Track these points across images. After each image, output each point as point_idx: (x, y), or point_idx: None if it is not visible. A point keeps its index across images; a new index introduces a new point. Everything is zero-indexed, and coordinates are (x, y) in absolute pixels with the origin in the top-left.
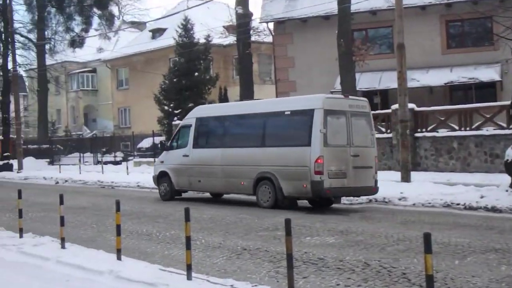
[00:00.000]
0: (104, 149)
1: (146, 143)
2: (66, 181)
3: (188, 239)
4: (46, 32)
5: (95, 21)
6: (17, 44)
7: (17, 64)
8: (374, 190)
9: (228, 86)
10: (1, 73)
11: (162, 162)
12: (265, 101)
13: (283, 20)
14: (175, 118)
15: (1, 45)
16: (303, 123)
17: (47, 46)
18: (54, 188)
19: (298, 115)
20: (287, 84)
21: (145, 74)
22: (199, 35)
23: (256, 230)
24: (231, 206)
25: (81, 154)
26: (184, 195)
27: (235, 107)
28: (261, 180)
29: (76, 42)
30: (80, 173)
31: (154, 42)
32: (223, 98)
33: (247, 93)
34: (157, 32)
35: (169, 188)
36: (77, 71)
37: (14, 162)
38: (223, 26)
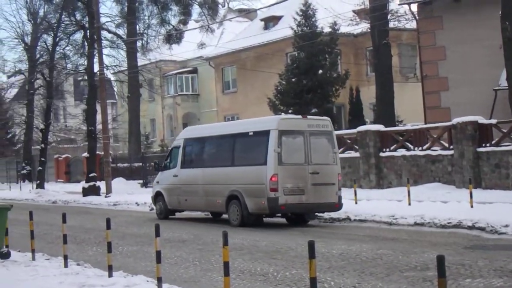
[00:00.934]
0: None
1: None
2: None
3: (313, 280)
4: (137, 26)
5: (195, 10)
6: (104, 42)
7: (104, 65)
8: (337, 206)
9: (360, 85)
10: (86, 77)
11: (157, 182)
12: (235, 123)
13: (429, 0)
14: None
15: (86, 43)
16: (261, 143)
17: (138, 43)
18: (148, 216)
19: (258, 136)
20: (437, 82)
21: (257, 73)
22: (323, 23)
23: (400, 270)
24: (365, 240)
25: None
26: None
27: (214, 128)
28: (232, 198)
29: (173, 37)
30: None
31: (267, 33)
32: (355, 101)
33: (384, 94)
34: (270, 21)
35: (163, 208)
36: (175, 72)
37: (102, 184)
38: (353, 11)
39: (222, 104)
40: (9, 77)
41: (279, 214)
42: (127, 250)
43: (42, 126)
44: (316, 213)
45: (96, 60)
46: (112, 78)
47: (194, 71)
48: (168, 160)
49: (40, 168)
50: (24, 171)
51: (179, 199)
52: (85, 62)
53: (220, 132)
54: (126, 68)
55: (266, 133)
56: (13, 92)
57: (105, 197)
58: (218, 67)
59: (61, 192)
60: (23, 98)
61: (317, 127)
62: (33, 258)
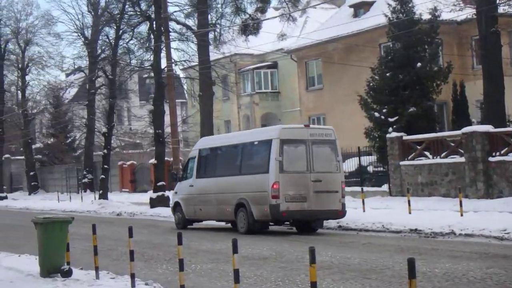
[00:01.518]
0: None
1: (349, 164)
2: None
3: None
4: (209, 16)
5: None
6: (172, 35)
7: (173, 61)
8: (340, 213)
9: (465, 80)
10: (152, 74)
11: (176, 192)
12: (244, 132)
13: None
14: (390, 129)
15: (152, 36)
16: (264, 152)
17: (210, 35)
18: (225, 230)
19: (262, 145)
20: None
21: (345, 67)
22: (422, 9)
23: None
24: (472, 257)
25: None
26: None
27: (225, 138)
28: (239, 206)
29: (250, 28)
30: None
31: (357, 21)
32: (459, 98)
33: (493, 90)
34: (361, 8)
35: (181, 218)
36: (252, 67)
37: (171, 194)
38: None
39: (306, 103)
40: (68, 75)
41: (287, 222)
42: (200, 268)
43: (104, 130)
44: (323, 221)
45: (163, 54)
46: (182, 74)
47: (274, 65)
48: (186, 171)
49: (102, 176)
50: (86, 180)
51: (195, 208)
52: (151, 57)
53: (230, 142)
54: (197, 64)
55: (268, 142)
56: (72, 92)
57: None
58: (301, 61)
59: (126, 203)
60: (83, 99)
61: (320, 136)
62: (97, 277)
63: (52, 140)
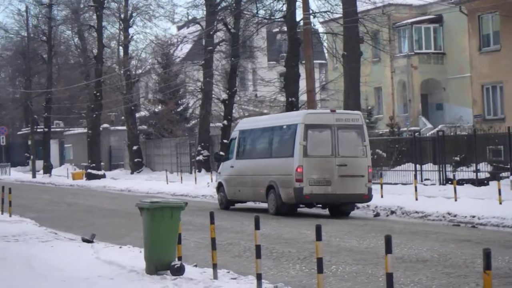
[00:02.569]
0: (457, 158)
1: None
2: (392, 212)
3: None
4: None
5: None
6: None
7: (311, 12)
8: (365, 197)
9: None
10: (285, 28)
11: (219, 173)
12: (276, 115)
13: None
14: None
15: None
16: (290, 136)
17: None
18: (371, 223)
19: (289, 129)
20: None
21: None
22: None
23: None
24: None
25: (417, 166)
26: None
27: (261, 121)
28: (270, 188)
29: None
30: (416, 198)
31: None
32: None
33: None
34: None
35: (224, 198)
36: (410, 21)
37: None
38: None
39: (479, 67)
40: (180, 28)
41: (319, 205)
42: (343, 270)
43: (224, 96)
44: (354, 204)
45: (299, 4)
46: (321, 29)
47: (438, 20)
48: (228, 152)
49: (221, 153)
50: (200, 157)
51: (235, 189)
52: (284, 7)
53: (264, 125)
54: (340, 16)
55: (294, 127)
56: (185, 49)
57: None
58: (472, 14)
59: None
60: (198, 58)
61: (346, 121)
62: (215, 277)
63: (159, 107)
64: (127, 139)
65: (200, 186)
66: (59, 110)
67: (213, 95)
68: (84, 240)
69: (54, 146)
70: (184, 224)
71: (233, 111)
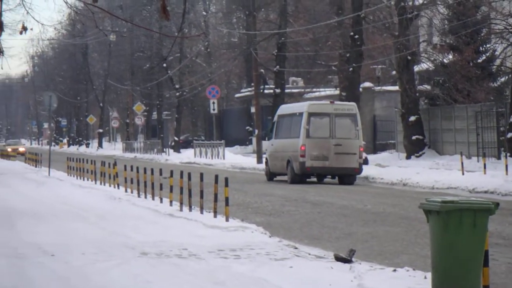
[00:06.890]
0: None
1: None
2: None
3: None
4: None
5: None
6: None
7: None
8: (356, 170)
9: None
10: None
11: (266, 149)
12: (297, 104)
13: None
14: None
15: None
16: (299, 122)
17: None
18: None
19: (299, 116)
20: None
21: None
22: None
23: None
24: None
25: None
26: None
27: (290, 108)
28: (288, 162)
29: None
30: None
31: None
32: None
33: None
34: None
35: (268, 170)
36: None
37: None
38: None
39: None
40: None
41: (329, 177)
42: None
43: None
44: (355, 175)
45: None
46: None
47: None
48: (272, 131)
49: None
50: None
51: (273, 163)
52: None
53: (290, 112)
54: None
55: (302, 114)
56: None
57: None
58: None
59: None
60: None
61: (342, 111)
62: None
63: (450, 57)
64: (400, 106)
65: None
66: (297, 62)
67: None
68: (339, 259)
69: None
70: (491, 236)
71: None
